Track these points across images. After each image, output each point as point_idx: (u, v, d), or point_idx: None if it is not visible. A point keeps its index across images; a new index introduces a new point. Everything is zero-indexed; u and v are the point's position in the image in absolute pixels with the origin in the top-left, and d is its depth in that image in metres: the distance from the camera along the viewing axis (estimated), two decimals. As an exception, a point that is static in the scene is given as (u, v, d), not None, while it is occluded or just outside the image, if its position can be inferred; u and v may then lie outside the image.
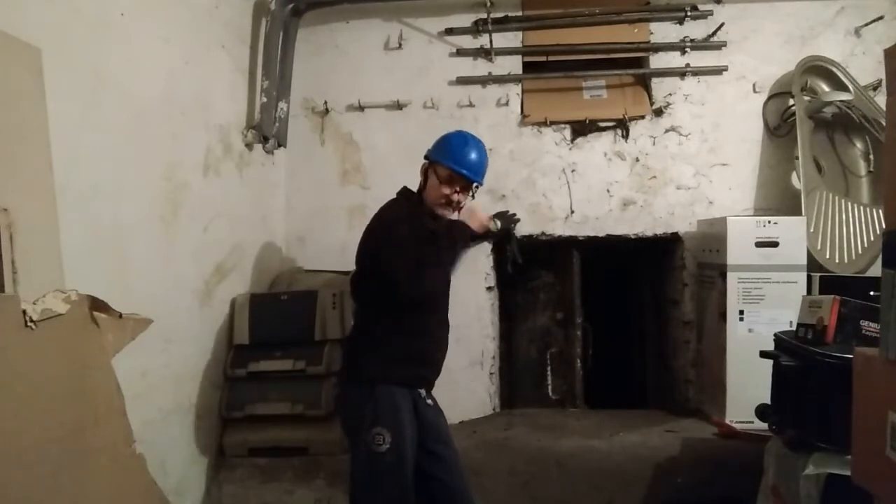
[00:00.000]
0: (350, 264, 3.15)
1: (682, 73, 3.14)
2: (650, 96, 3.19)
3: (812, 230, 2.78)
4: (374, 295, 2.08)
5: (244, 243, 2.81)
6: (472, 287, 3.10)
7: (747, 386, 2.50)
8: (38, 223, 1.58)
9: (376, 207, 3.19)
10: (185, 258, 2.35)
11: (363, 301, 2.17)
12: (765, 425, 2.02)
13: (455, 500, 2.07)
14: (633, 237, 3.16)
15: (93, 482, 1.68)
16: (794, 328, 2.01)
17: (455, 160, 2.14)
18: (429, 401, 2.11)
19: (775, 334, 2.08)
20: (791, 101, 2.99)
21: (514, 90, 3.22)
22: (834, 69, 2.99)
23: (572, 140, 3.19)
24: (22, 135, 1.55)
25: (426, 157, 2.22)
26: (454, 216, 2.29)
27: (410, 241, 2.00)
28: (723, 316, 2.70)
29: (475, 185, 2.19)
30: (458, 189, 2.15)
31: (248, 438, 2.58)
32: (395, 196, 2.26)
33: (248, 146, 2.87)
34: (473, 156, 2.17)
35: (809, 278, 2.66)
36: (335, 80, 3.27)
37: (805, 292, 2.58)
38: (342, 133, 3.29)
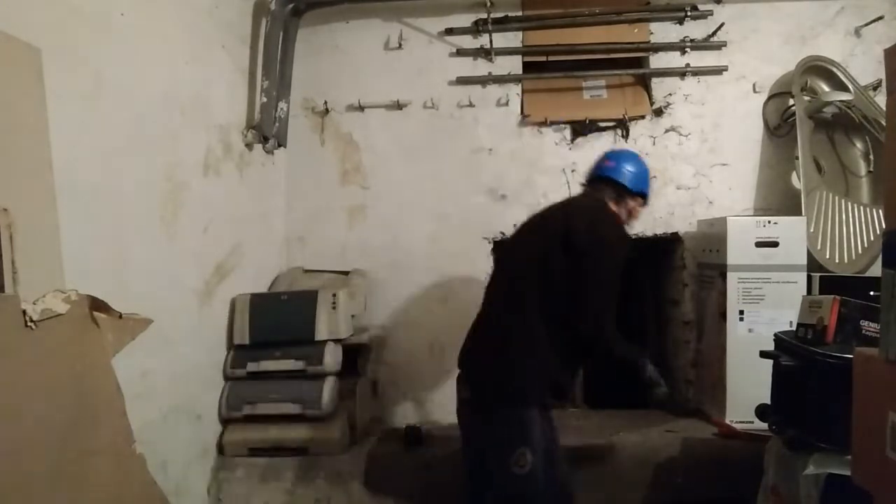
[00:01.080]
0: (350, 264, 3.18)
1: (682, 73, 3.14)
2: (650, 96, 3.19)
3: (812, 230, 2.78)
4: (555, 297, 1.92)
5: (244, 243, 2.80)
6: (472, 287, 3.10)
7: (747, 386, 2.51)
8: (38, 223, 1.58)
9: (376, 207, 3.24)
10: (185, 258, 2.35)
11: (534, 305, 1.95)
12: (765, 425, 2.02)
13: None
14: (632, 237, 3.16)
15: (93, 482, 1.68)
16: (794, 328, 2.01)
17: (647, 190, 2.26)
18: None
19: (775, 334, 2.08)
20: (791, 101, 2.99)
21: (514, 90, 3.22)
22: (834, 69, 2.99)
23: (572, 140, 3.19)
24: (22, 135, 1.55)
25: (624, 187, 2.15)
26: None
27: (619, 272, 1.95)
28: (723, 316, 2.70)
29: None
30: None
31: (248, 438, 2.58)
32: (602, 201, 2.16)
33: (248, 146, 2.87)
34: None
35: (809, 278, 2.66)
36: (335, 80, 3.27)
37: (805, 292, 2.58)
38: (342, 133, 3.29)
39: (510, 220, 3.16)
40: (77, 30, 1.78)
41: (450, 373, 2.95)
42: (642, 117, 3.16)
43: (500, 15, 3.14)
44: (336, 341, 2.64)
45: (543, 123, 3.18)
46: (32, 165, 1.58)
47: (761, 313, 2.64)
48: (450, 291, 3.14)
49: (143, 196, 2.10)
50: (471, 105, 3.20)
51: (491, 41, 3.13)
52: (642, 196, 2.24)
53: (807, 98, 2.97)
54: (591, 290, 1.91)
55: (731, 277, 2.67)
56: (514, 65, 3.22)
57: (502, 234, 3.18)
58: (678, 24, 3.15)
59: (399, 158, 3.21)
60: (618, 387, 3.11)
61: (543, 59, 3.26)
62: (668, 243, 3.23)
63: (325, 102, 3.26)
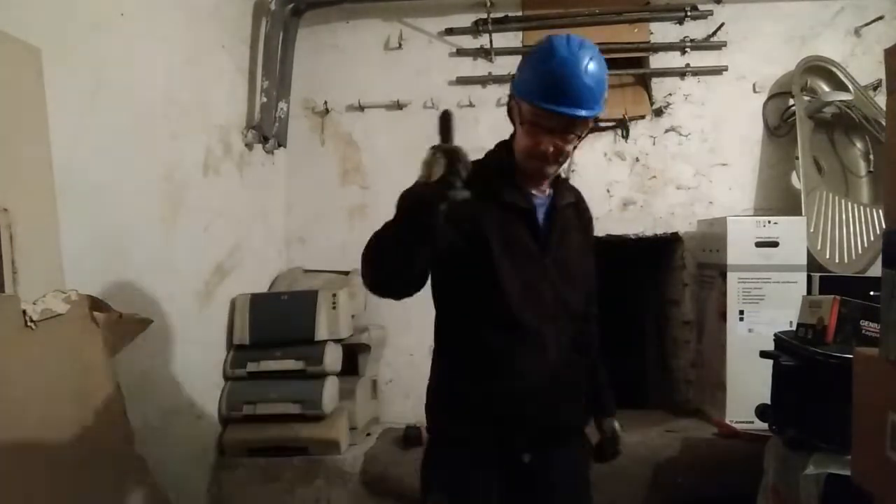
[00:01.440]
0: (350, 264, 3.17)
1: (682, 73, 3.14)
2: (650, 96, 3.19)
3: (812, 230, 2.78)
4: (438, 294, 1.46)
5: (244, 243, 2.81)
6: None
7: (747, 386, 2.50)
8: (38, 223, 1.58)
9: (376, 207, 3.24)
10: (185, 258, 2.35)
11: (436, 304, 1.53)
12: (765, 425, 2.02)
13: None
14: (633, 237, 3.16)
15: (93, 482, 1.68)
16: (794, 328, 2.01)
17: (538, 86, 1.30)
18: (525, 457, 1.40)
19: (775, 334, 2.08)
20: (791, 101, 2.99)
21: (515, 90, 3.21)
22: (834, 69, 2.99)
23: (572, 140, 3.19)
24: (22, 135, 1.55)
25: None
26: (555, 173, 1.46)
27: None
28: (723, 316, 2.70)
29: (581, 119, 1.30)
30: (549, 131, 1.33)
31: (248, 438, 2.58)
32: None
33: (248, 146, 2.87)
34: (563, 70, 1.27)
35: (809, 278, 2.66)
36: (335, 80, 3.27)
37: (805, 292, 2.58)
38: (342, 133, 3.28)
39: (510, 220, 3.16)
40: (77, 30, 1.78)
41: (450, 373, 2.93)
42: (642, 117, 3.16)
43: (500, 15, 3.14)
44: (336, 341, 2.64)
45: (543, 123, 3.18)
46: (32, 165, 1.58)
47: (761, 313, 2.64)
48: (450, 291, 3.14)
49: (143, 196, 2.10)
50: (471, 105, 3.20)
51: (491, 41, 3.13)
52: (519, 99, 1.36)
53: (807, 98, 2.97)
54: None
55: (731, 277, 2.67)
56: (514, 65, 3.20)
57: (502, 234, 3.18)
58: (678, 24, 3.15)
59: (399, 158, 3.21)
60: (617, 387, 3.10)
61: (543, 59, 3.26)
62: (668, 243, 3.23)
63: (325, 102, 3.25)
